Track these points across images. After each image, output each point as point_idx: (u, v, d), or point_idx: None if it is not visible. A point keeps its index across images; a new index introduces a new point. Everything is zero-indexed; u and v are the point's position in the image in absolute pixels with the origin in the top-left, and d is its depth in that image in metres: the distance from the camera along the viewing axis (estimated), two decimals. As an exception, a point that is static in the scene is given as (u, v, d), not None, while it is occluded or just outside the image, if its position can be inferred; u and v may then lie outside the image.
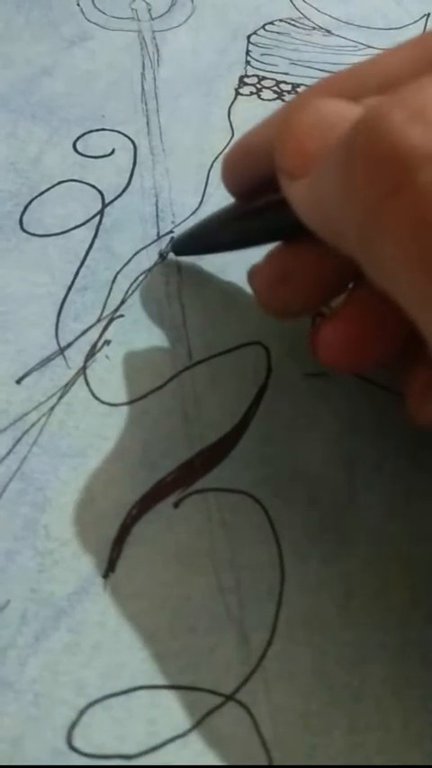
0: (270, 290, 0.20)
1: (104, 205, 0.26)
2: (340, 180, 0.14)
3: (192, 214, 0.26)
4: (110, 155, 0.28)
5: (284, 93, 0.31)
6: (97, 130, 0.29)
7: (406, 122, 0.13)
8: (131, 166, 0.27)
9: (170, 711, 0.17)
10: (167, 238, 0.25)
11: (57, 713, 0.17)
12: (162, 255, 0.25)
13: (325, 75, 0.31)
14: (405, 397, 0.19)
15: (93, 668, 0.18)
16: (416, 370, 0.18)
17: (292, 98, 0.19)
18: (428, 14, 0.34)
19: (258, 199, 0.20)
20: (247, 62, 0.32)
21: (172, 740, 0.17)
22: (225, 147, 0.28)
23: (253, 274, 0.20)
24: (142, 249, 0.25)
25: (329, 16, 0.34)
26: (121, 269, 0.24)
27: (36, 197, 0.26)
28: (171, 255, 0.25)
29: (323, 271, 0.19)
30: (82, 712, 0.17)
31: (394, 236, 0.13)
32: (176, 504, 0.20)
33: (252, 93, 0.30)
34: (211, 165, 0.27)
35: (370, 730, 0.18)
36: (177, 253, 0.24)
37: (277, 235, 0.20)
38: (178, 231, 0.25)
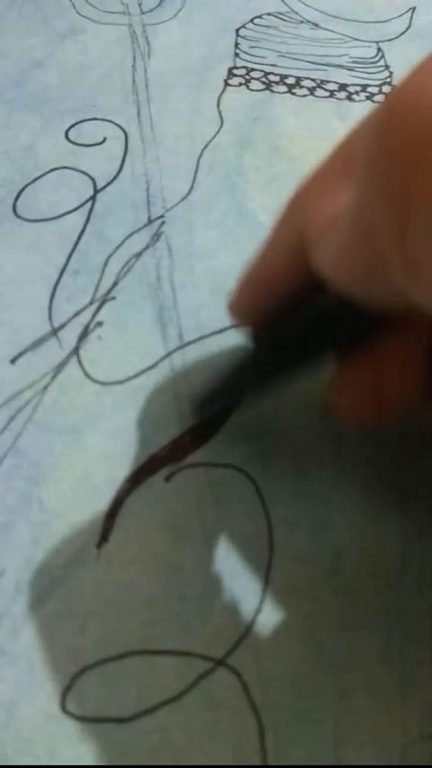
0: (363, 406, 0.18)
1: (96, 191, 0.27)
2: (371, 185, 0.12)
3: (182, 200, 0.26)
4: (101, 143, 0.28)
5: (272, 84, 0.31)
6: (89, 120, 0.29)
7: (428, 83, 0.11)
8: (123, 154, 0.28)
9: (162, 676, 0.18)
10: (158, 223, 0.26)
11: (50, 679, 0.18)
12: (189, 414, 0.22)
13: (312, 66, 0.32)
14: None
15: (86, 635, 0.18)
16: None
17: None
18: (414, 8, 0.34)
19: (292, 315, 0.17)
20: (236, 54, 0.32)
21: (164, 704, 0.18)
22: (214, 136, 0.29)
23: (334, 393, 0.18)
24: (134, 233, 0.25)
25: (317, 10, 0.34)
26: (113, 252, 0.25)
27: (29, 184, 0.27)
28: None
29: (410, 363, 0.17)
30: (75, 677, 0.18)
31: None
32: (168, 478, 0.21)
33: (241, 84, 0.31)
34: (201, 152, 0.28)
35: (359, 694, 0.18)
36: (203, 414, 0.22)
37: (329, 344, 0.18)
38: (170, 216, 0.26)
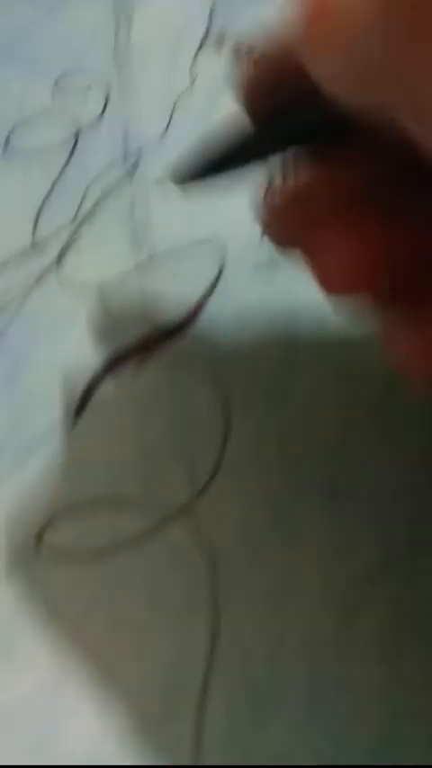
0: (282, 209, 0.18)
1: (79, 131, 0.29)
2: (378, 24, 0.12)
3: (158, 137, 0.29)
4: (85, 91, 0.31)
5: (242, 52, 0.34)
6: (74, 73, 0.32)
7: None
8: (105, 101, 0.30)
9: (127, 522, 0.20)
10: (135, 157, 0.28)
11: (28, 519, 0.20)
12: (159, 182, 0.24)
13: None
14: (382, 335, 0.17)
15: (61, 488, 0.21)
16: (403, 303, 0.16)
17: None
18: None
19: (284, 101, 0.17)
20: (211, 21, 0.35)
21: (128, 543, 0.20)
22: (189, 86, 0.31)
23: (267, 196, 0.18)
24: (112, 165, 0.28)
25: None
26: (93, 181, 0.27)
27: (17, 125, 0.29)
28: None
29: (351, 181, 0.16)
30: (50, 520, 0.20)
31: None
32: (139, 367, 0.23)
33: (215, 48, 0.34)
34: (177, 99, 0.31)
35: (301, 544, 0.20)
36: (179, 180, 0.22)
37: (303, 131, 0.17)
38: (146, 150, 0.28)
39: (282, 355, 0.24)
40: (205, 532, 0.20)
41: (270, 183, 0.19)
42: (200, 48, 0.34)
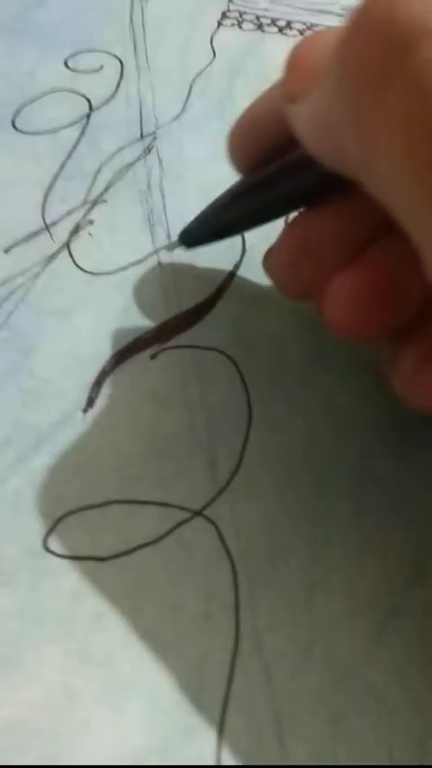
0: (292, 263, 0.18)
1: (91, 110, 0.28)
2: (337, 72, 0.13)
3: (174, 119, 0.28)
4: (98, 70, 0.29)
5: (264, 26, 0.32)
6: (87, 51, 0.30)
7: None
8: (118, 80, 0.29)
9: (141, 523, 0.19)
10: (150, 138, 0.27)
11: (34, 521, 0.18)
12: (169, 247, 0.23)
13: (303, 12, 0.33)
14: (392, 376, 0.18)
15: (70, 486, 0.19)
16: (409, 345, 0.17)
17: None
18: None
19: (271, 164, 0.18)
20: (230, 0, 0.33)
21: (142, 546, 0.18)
22: (207, 67, 0.30)
23: (271, 254, 0.19)
24: (126, 146, 0.27)
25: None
26: (106, 162, 0.26)
27: (28, 103, 0.28)
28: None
29: (348, 231, 0.17)
30: (58, 521, 0.19)
31: (392, 127, 0.11)
32: (153, 357, 0.22)
33: (233, 25, 0.32)
34: (194, 79, 0.29)
35: (329, 546, 0.19)
36: (188, 244, 0.23)
37: (295, 197, 0.18)
38: (162, 130, 0.27)
39: (307, 344, 0.22)
40: (226, 534, 0.19)
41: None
42: (219, 24, 0.32)
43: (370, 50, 0.12)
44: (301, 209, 0.19)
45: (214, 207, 0.21)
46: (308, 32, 0.32)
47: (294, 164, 0.17)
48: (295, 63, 0.16)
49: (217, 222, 0.21)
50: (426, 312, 0.17)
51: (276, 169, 0.18)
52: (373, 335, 0.17)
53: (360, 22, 0.12)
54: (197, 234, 0.22)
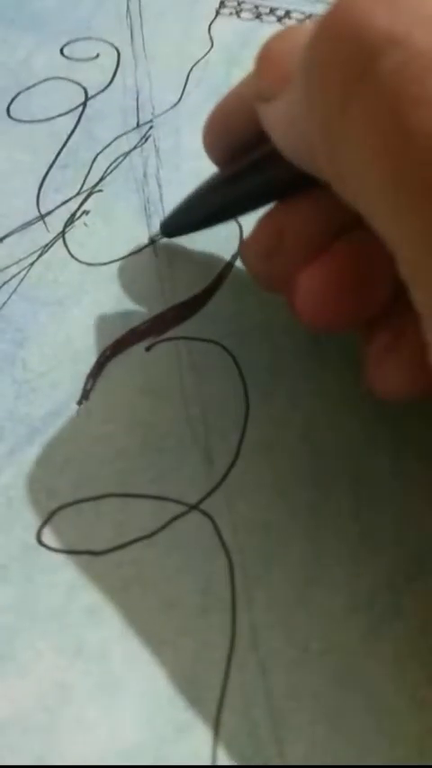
0: (266, 254, 0.18)
1: (87, 98, 0.27)
2: (304, 78, 0.13)
3: (171, 108, 0.27)
4: (94, 58, 0.29)
5: (262, 15, 0.32)
6: (83, 39, 0.30)
7: (372, 2, 0.11)
8: (115, 68, 0.29)
9: (137, 516, 0.18)
10: (146, 127, 0.26)
11: (28, 514, 0.18)
12: (153, 240, 0.24)
13: (302, 1, 0.33)
14: (362, 361, 0.18)
15: (64, 478, 0.19)
16: (377, 332, 0.17)
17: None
18: None
19: (244, 157, 0.19)
20: (229, -12, 0.33)
21: (138, 540, 0.18)
22: (205, 55, 0.29)
23: (245, 244, 0.19)
24: (122, 135, 0.26)
25: None
26: (102, 151, 0.26)
27: (23, 90, 0.27)
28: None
29: (319, 225, 0.17)
30: (52, 514, 0.18)
31: (358, 136, 0.12)
32: (148, 349, 0.21)
33: (231, 14, 0.32)
34: (191, 68, 0.29)
35: (328, 541, 0.19)
36: (168, 234, 0.23)
37: (267, 192, 0.19)
38: (159, 119, 0.27)
39: (306, 336, 0.22)
40: (222, 529, 0.18)
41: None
42: (217, 13, 0.32)
43: (335, 58, 0.12)
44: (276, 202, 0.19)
45: (191, 198, 0.21)
46: (306, 23, 0.32)
47: (265, 158, 0.17)
48: (267, 60, 0.16)
49: (193, 213, 0.21)
50: (395, 302, 0.17)
51: (247, 163, 0.18)
52: (343, 326, 0.17)
53: (326, 30, 0.12)
54: (175, 224, 0.22)
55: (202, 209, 0.21)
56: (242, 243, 0.20)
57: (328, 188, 0.14)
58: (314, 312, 0.17)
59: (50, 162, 0.25)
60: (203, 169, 0.25)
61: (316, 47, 0.13)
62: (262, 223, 0.18)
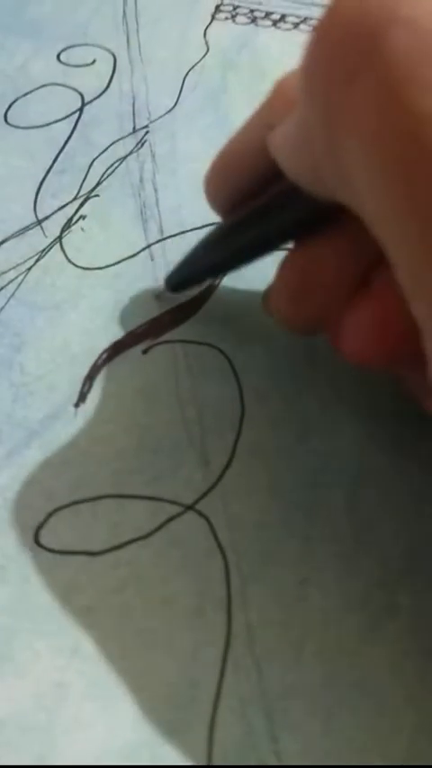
0: (297, 297, 0.18)
1: (84, 104, 0.28)
2: (306, 80, 0.13)
3: (167, 113, 0.27)
4: (91, 64, 0.29)
5: (258, 19, 0.32)
6: (80, 45, 0.30)
7: None
8: (111, 74, 0.29)
9: (133, 517, 0.19)
10: (143, 132, 0.27)
11: (25, 515, 0.18)
12: (159, 297, 0.23)
13: (297, 5, 0.33)
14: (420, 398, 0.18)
15: (61, 480, 0.19)
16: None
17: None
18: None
19: (252, 202, 0.18)
20: (224, -7, 0.33)
21: (134, 541, 0.18)
22: (200, 60, 0.30)
23: (271, 295, 0.19)
24: (119, 140, 0.26)
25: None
26: (98, 156, 0.26)
27: (20, 97, 0.28)
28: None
29: (353, 258, 0.17)
30: (49, 515, 0.18)
31: (361, 128, 0.11)
32: (145, 351, 0.22)
33: (227, 18, 0.32)
34: (187, 73, 0.29)
35: (323, 542, 0.19)
36: (174, 288, 0.22)
37: (282, 233, 0.18)
38: (155, 124, 0.27)
39: (301, 338, 0.22)
40: (218, 529, 0.19)
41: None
42: (213, 17, 0.32)
43: (340, 46, 0.12)
44: (289, 247, 0.18)
45: (197, 250, 0.21)
46: (302, 26, 0.32)
47: (278, 196, 0.17)
48: (276, 92, 0.16)
49: (202, 265, 0.21)
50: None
51: (261, 204, 0.18)
52: (398, 358, 0.17)
53: (330, 19, 0.12)
54: (183, 278, 0.22)
55: (212, 259, 0.20)
56: (264, 293, 0.19)
57: (348, 220, 0.14)
58: (366, 354, 0.16)
59: (47, 167, 0.25)
60: (199, 173, 0.26)
61: (320, 38, 0.12)
62: (286, 267, 0.18)
